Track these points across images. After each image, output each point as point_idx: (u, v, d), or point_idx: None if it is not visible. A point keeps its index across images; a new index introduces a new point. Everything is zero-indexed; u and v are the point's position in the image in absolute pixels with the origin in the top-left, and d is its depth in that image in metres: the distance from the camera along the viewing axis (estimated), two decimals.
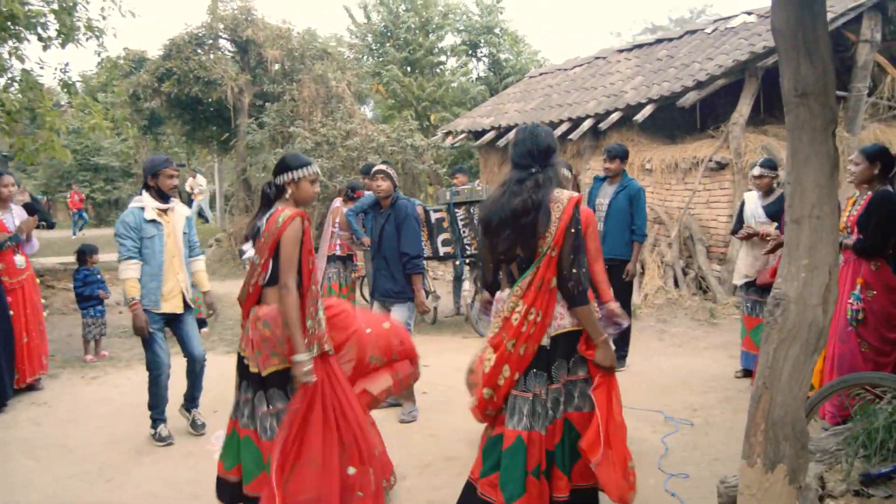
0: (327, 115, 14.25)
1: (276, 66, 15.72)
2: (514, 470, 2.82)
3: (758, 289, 5.57)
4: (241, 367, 3.36)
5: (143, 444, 4.53)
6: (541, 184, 2.90)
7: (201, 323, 7.15)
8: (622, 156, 6.05)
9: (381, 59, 21.04)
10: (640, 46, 13.11)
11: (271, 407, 3.24)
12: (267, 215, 3.31)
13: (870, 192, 4.28)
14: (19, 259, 5.74)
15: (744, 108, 9.33)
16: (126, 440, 4.62)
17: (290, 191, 3.32)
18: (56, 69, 9.40)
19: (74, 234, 20.04)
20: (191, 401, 4.86)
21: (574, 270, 2.83)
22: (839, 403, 3.92)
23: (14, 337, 5.58)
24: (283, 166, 3.35)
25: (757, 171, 5.73)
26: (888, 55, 10.32)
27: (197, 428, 4.75)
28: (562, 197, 2.89)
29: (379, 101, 21.32)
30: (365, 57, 21.66)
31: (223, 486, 3.41)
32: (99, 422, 5.01)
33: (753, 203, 5.75)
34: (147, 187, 4.61)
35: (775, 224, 5.50)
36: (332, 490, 3.10)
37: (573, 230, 2.84)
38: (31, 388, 5.77)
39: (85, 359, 6.87)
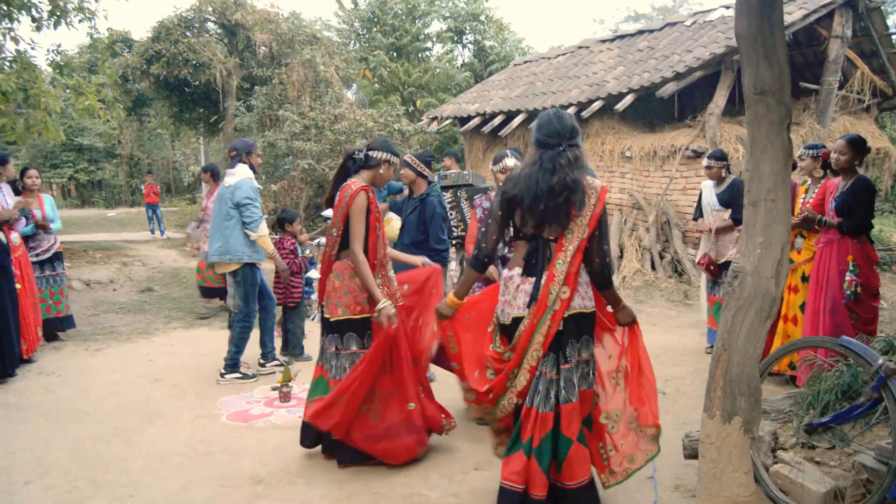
0: (315, 100, 14.47)
1: (264, 50, 15.87)
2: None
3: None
4: (322, 316, 3.87)
5: (155, 409, 4.82)
6: (573, 162, 2.94)
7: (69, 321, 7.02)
8: None
9: (367, 45, 21.21)
10: (621, 37, 13.44)
11: (335, 349, 3.75)
12: (341, 187, 3.77)
13: (849, 179, 4.60)
14: (14, 236, 5.98)
15: (720, 99, 9.70)
16: (137, 406, 4.91)
17: (381, 169, 3.82)
18: (49, 50, 9.54)
19: (160, 232, 15.48)
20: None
21: (607, 258, 3.04)
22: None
23: (20, 309, 5.80)
24: (385, 146, 3.87)
25: (705, 161, 6.10)
26: (858, 50, 10.73)
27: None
28: (595, 184, 3.00)
29: (364, 85, 21.46)
30: (352, 42, 21.81)
31: (307, 430, 3.85)
32: (109, 389, 5.29)
33: (709, 191, 6.12)
34: (242, 162, 5.40)
35: (730, 211, 5.85)
36: (396, 421, 3.66)
37: (603, 218, 3.01)
38: (25, 360, 5.87)
39: None
